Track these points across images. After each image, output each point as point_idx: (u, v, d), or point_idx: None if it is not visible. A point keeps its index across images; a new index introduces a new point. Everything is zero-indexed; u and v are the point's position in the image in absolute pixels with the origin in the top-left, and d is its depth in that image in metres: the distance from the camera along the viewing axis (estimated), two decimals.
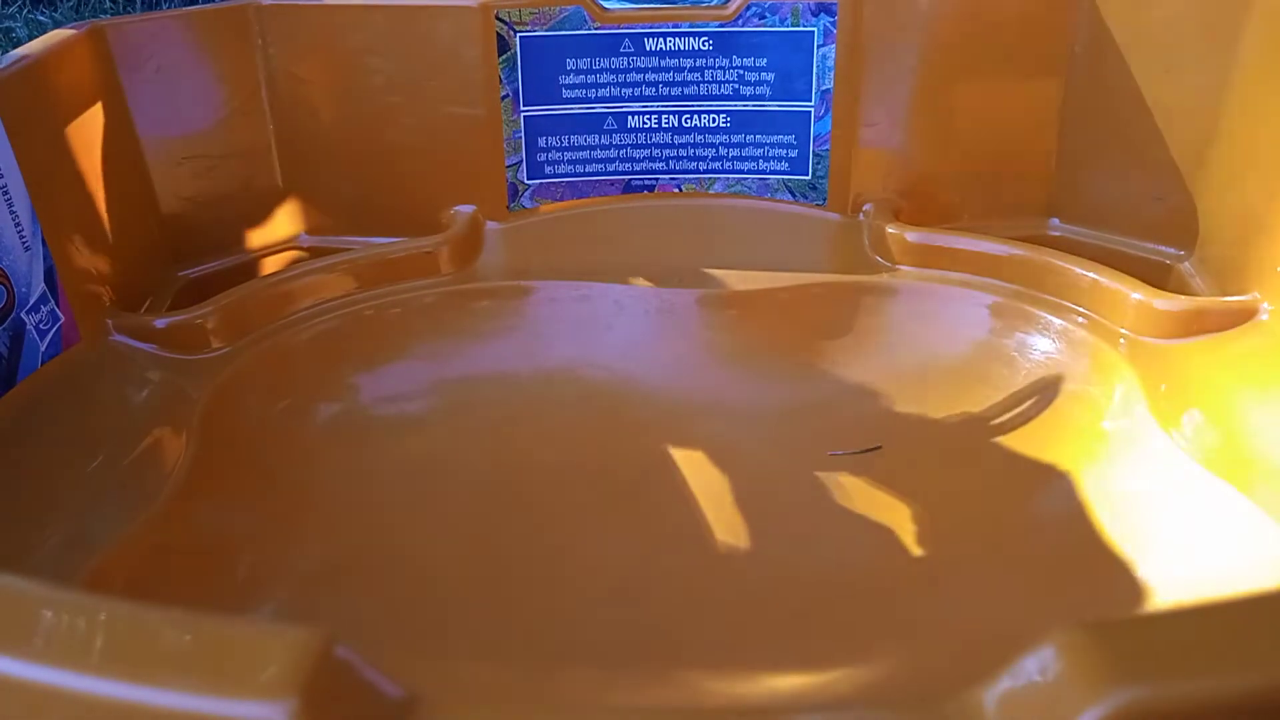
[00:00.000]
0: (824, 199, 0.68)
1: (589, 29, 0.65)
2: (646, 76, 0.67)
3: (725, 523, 0.51)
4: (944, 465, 0.54)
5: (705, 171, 0.69)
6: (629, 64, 0.66)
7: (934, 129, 0.66)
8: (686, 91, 0.67)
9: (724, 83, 0.67)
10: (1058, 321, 0.58)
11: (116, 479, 0.48)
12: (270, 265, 0.67)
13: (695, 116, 0.68)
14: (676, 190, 0.69)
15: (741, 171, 0.68)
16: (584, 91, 0.67)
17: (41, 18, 1.54)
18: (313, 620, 0.21)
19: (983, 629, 0.44)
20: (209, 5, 0.66)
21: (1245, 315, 0.54)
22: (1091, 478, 0.51)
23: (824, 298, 0.63)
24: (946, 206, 0.67)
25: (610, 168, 0.69)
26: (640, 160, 0.69)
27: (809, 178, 0.68)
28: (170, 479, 0.48)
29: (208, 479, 0.50)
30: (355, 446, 0.56)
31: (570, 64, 0.66)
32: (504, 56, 0.65)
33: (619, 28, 0.65)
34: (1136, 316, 0.56)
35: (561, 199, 0.69)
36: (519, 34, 0.65)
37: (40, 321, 0.52)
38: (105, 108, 0.60)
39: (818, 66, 0.65)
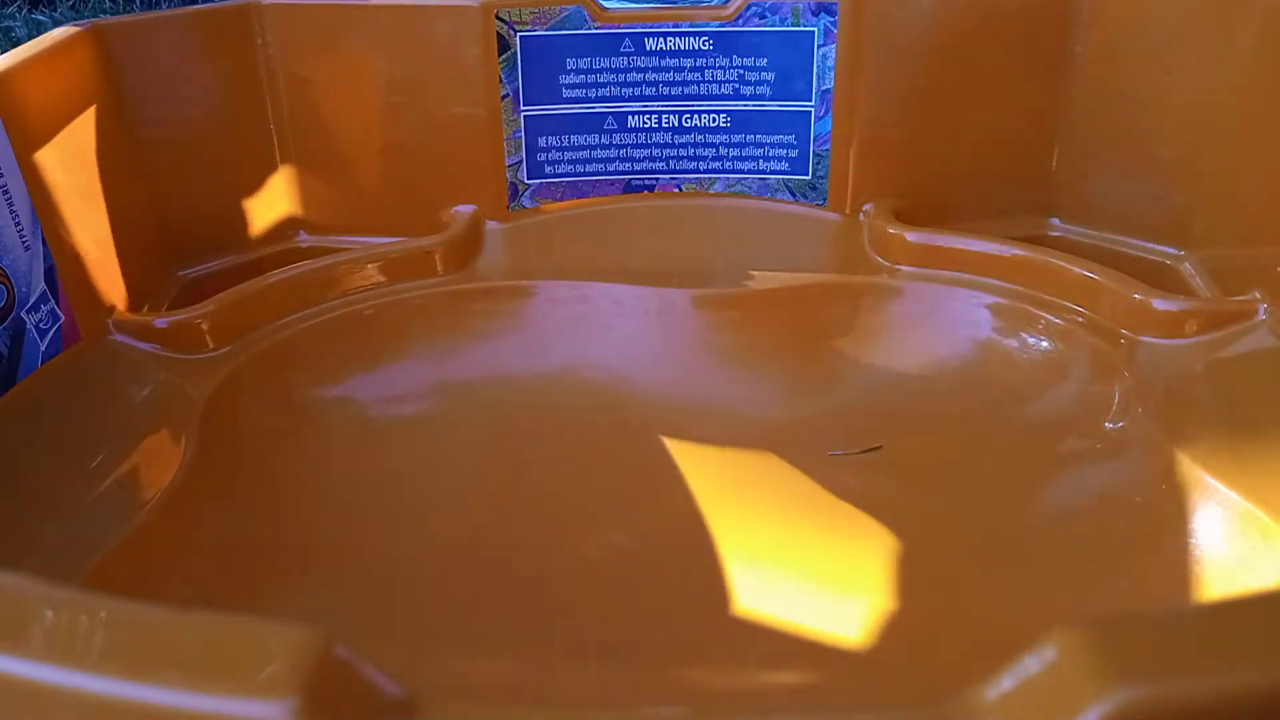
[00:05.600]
0: (824, 199, 0.68)
1: (589, 29, 0.65)
2: (646, 76, 0.67)
3: (724, 522, 0.51)
4: (944, 465, 0.54)
5: (705, 171, 0.69)
6: (629, 64, 0.66)
7: (934, 129, 0.66)
8: (686, 91, 0.67)
9: (724, 83, 0.67)
10: (1058, 321, 0.58)
11: (117, 478, 0.48)
12: (270, 265, 0.67)
13: (695, 116, 0.68)
14: (676, 190, 0.69)
15: (741, 171, 0.68)
16: (584, 91, 0.67)
17: (41, 17, 1.54)
18: (313, 619, 0.21)
19: (983, 629, 0.44)
20: (209, 5, 0.66)
21: (1245, 315, 0.54)
22: (1091, 478, 0.51)
23: (824, 298, 0.63)
24: (946, 206, 0.67)
25: (610, 168, 0.69)
26: (640, 160, 0.69)
27: (809, 178, 0.68)
28: (170, 479, 0.48)
29: (207, 479, 0.50)
30: (355, 446, 0.56)
31: (570, 64, 0.66)
32: (504, 56, 0.65)
33: (619, 27, 0.65)
34: (1136, 316, 0.56)
35: (562, 199, 0.69)
36: (519, 33, 0.65)
37: (40, 321, 0.52)
38: (105, 107, 0.60)
39: (818, 66, 0.65)
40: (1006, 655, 0.21)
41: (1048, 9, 0.63)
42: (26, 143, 0.52)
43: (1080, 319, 0.58)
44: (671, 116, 0.68)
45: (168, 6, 1.52)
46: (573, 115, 0.67)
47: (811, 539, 0.50)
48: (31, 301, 0.51)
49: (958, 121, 0.66)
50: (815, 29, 0.65)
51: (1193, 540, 0.45)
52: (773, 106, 0.67)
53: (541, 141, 0.68)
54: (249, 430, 0.55)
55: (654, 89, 0.67)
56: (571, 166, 0.68)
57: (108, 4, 1.59)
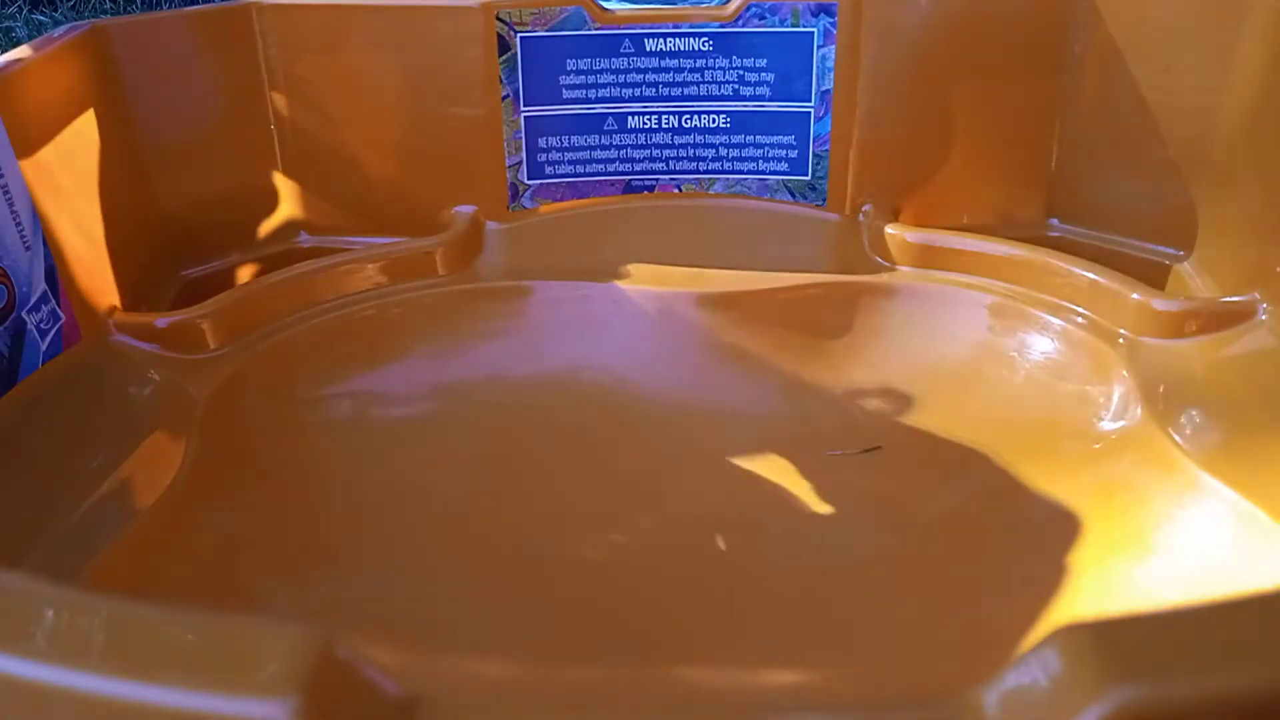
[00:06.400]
0: (823, 199, 0.68)
1: (589, 29, 0.65)
2: (646, 77, 0.67)
3: (725, 522, 0.51)
4: (943, 465, 0.54)
5: (705, 172, 0.69)
6: (629, 64, 0.66)
7: (934, 129, 0.66)
8: (686, 92, 0.67)
9: (724, 83, 0.67)
10: (1057, 321, 0.58)
11: (117, 478, 0.48)
12: (271, 265, 0.67)
13: (695, 117, 0.68)
14: (676, 190, 0.69)
15: (741, 172, 0.68)
16: (584, 92, 0.67)
17: (41, 18, 1.54)
18: (314, 619, 0.21)
19: (983, 629, 0.44)
20: (210, 5, 0.66)
21: (1245, 315, 0.54)
22: (1091, 478, 0.51)
23: (824, 298, 0.63)
24: (946, 206, 0.67)
25: (610, 168, 0.69)
26: (640, 160, 0.69)
27: (808, 178, 0.68)
28: (171, 479, 0.48)
29: (208, 479, 0.50)
30: (355, 446, 0.56)
31: (570, 64, 0.66)
32: (504, 57, 0.65)
33: (619, 28, 0.65)
34: (1136, 316, 0.56)
35: (562, 199, 0.69)
36: (519, 34, 0.65)
37: (41, 321, 0.52)
38: (106, 107, 0.60)
39: (818, 67, 0.65)
40: (1006, 655, 0.21)
41: (1047, 9, 0.63)
42: (27, 143, 0.52)
43: (1080, 319, 0.58)
44: (671, 117, 0.68)
45: (168, 6, 1.52)
46: (573, 116, 0.67)
47: (811, 539, 0.50)
48: (32, 302, 0.51)
49: (957, 122, 0.66)
50: (815, 30, 0.65)
51: (1193, 540, 0.45)
52: (772, 107, 0.67)
53: (542, 142, 0.68)
54: (249, 430, 0.55)
55: (654, 90, 0.67)
56: (572, 167, 0.68)
57: (108, 4, 1.59)
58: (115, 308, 0.58)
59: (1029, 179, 0.67)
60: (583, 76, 0.66)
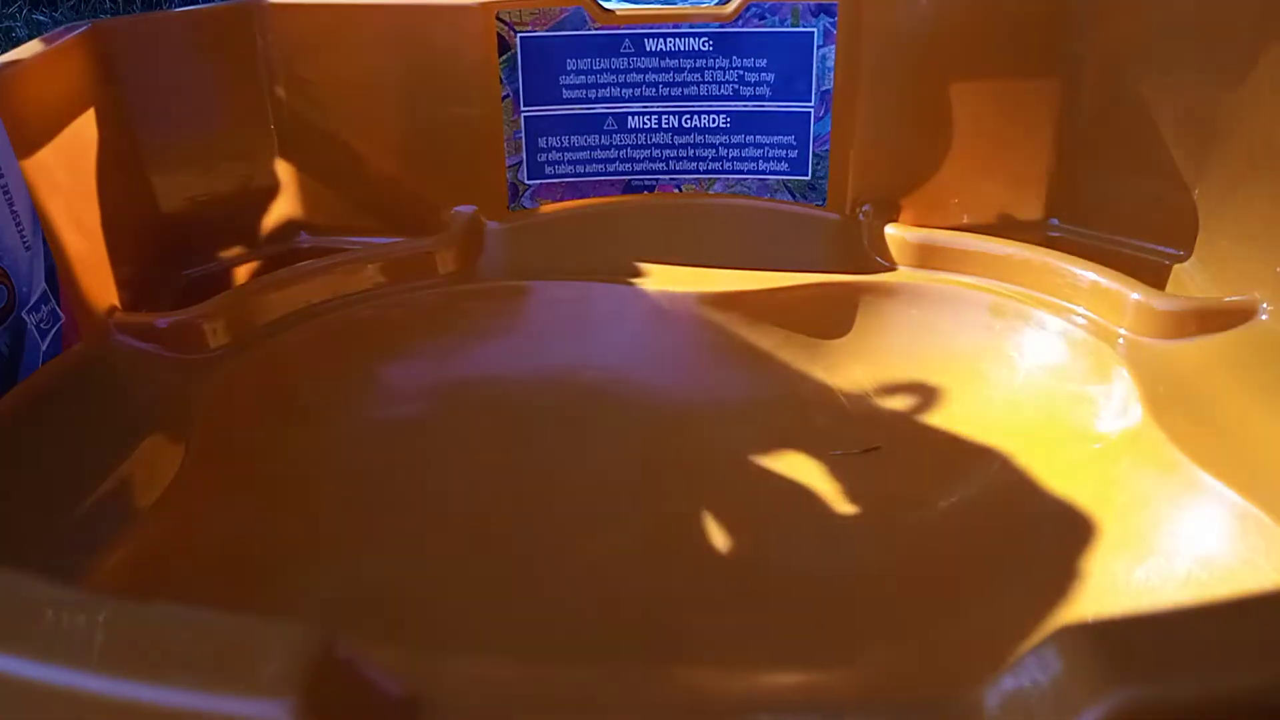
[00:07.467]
0: (823, 199, 0.68)
1: (589, 29, 0.65)
2: (646, 77, 0.67)
3: (725, 522, 0.51)
4: (943, 465, 0.54)
5: (705, 172, 0.69)
6: (629, 64, 0.66)
7: (934, 129, 0.66)
8: (686, 92, 0.67)
9: (724, 83, 0.67)
10: (1057, 321, 0.58)
11: (117, 478, 0.48)
12: (271, 265, 0.67)
13: (695, 117, 0.68)
14: (676, 190, 0.69)
15: (741, 172, 0.68)
16: (584, 92, 0.67)
17: (41, 18, 1.54)
18: (314, 619, 0.21)
19: (983, 629, 0.44)
20: (210, 5, 0.66)
21: (1245, 315, 0.54)
22: (1090, 478, 0.51)
23: (824, 298, 0.63)
24: (946, 207, 0.67)
25: (610, 168, 0.69)
26: (640, 160, 0.69)
27: (809, 178, 0.68)
28: (171, 479, 0.48)
29: (207, 478, 0.50)
30: (355, 446, 0.56)
31: (570, 64, 0.66)
32: (504, 57, 0.65)
33: (619, 28, 0.65)
34: (1136, 316, 0.56)
35: (562, 199, 0.69)
36: (519, 34, 0.65)
37: (41, 321, 0.52)
38: (106, 107, 0.60)
39: (818, 67, 0.65)
40: (1006, 655, 0.21)
41: (1048, 10, 0.63)
42: (27, 143, 0.52)
43: (1080, 319, 0.58)
44: (671, 117, 0.68)
45: (168, 6, 1.52)
46: (573, 116, 0.67)
47: (812, 539, 0.50)
48: (32, 302, 0.51)
49: (957, 122, 0.66)
50: (815, 30, 0.65)
51: (1193, 540, 0.45)
52: (772, 107, 0.67)
53: (542, 142, 0.68)
54: (249, 430, 0.55)
55: (654, 90, 0.67)
56: (572, 167, 0.68)
57: (108, 4, 1.59)
58: (115, 308, 0.58)
59: (1029, 179, 0.67)
60: (583, 76, 0.66)
